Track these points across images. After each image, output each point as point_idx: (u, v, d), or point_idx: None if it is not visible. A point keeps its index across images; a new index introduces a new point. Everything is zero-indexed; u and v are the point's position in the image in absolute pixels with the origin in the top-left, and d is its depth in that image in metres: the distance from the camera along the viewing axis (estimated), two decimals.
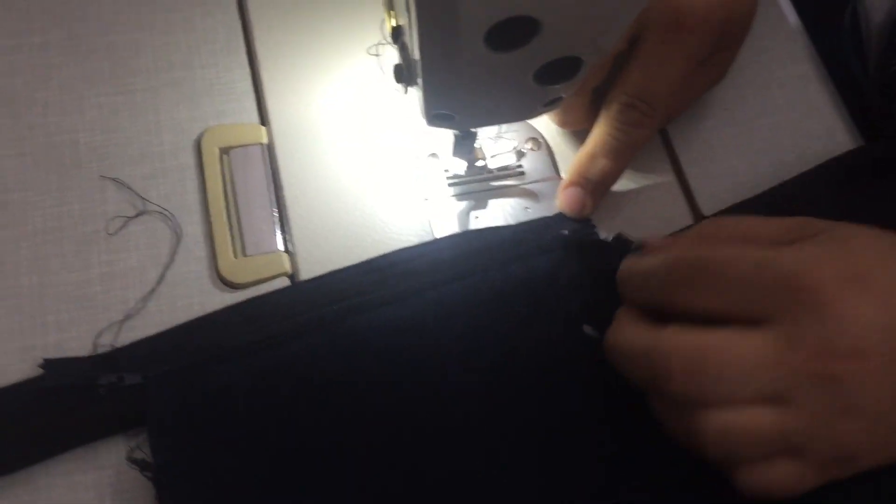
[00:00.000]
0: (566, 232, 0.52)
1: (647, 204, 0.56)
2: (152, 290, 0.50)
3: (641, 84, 0.50)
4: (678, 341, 0.39)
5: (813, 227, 0.41)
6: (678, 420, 0.40)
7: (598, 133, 0.52)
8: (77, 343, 0.48)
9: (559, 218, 0.53)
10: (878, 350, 0.37)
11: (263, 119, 0.56)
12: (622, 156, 0.52)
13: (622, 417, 0.46)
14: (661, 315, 0.41)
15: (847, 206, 0.54)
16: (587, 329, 0.47)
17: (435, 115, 0.45)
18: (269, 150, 0.55)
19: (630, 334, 0.42)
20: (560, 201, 0.53)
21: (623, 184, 0.55)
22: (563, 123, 0.56)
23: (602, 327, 0.45)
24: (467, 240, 0.51)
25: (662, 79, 0.50)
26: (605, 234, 0.52)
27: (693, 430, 0.39)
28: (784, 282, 0.38)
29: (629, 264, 0.45)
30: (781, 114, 0.59)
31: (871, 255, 0.39)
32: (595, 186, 0.52)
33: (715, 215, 0.54)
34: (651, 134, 0.52)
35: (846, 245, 0.39)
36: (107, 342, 0.48)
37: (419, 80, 0.43)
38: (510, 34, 0.37)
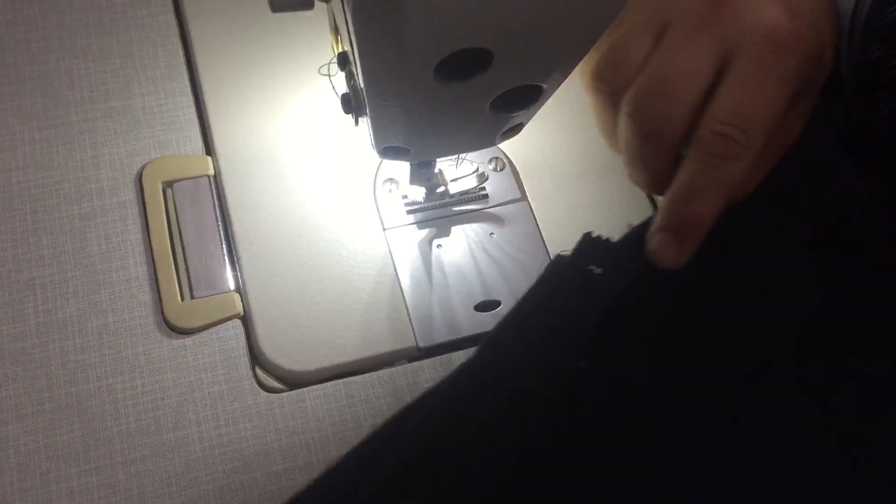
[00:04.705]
0: (597, 269, 0.45)
1: (610, 208, 0.53)
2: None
3: (735, 109, 0.42)
4: None
5: None
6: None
7: (687, 170, 0.44)
8: (12, 402, 0.45)
9: (583, 254, 0.46)
10: None
11: (209, 148, 0.53)
12: (715, 194, 0.43)
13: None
14: None
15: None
16: (582, 363, 0.44)
17: (386, 149, 0.42)
18: (216, 181, 0.52)
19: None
20: (650, 250, 0.45)
21: (587, 191, 0.53)
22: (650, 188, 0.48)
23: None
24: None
25: (760, 102, 0.42)
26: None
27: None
28: None
29: None
30: None
31: None
32: (688, 231, 0.44)
33: None
34: (748, 168, 0.43)
35: None
36: None
37: (368, 111, 0.40)
38: (462, 65, 0.34)
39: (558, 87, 0.40)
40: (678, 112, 0.43)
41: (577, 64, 0.37)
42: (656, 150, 0.45)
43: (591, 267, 0.45)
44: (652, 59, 0.44)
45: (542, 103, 0.40)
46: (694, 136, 0.43)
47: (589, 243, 0.46)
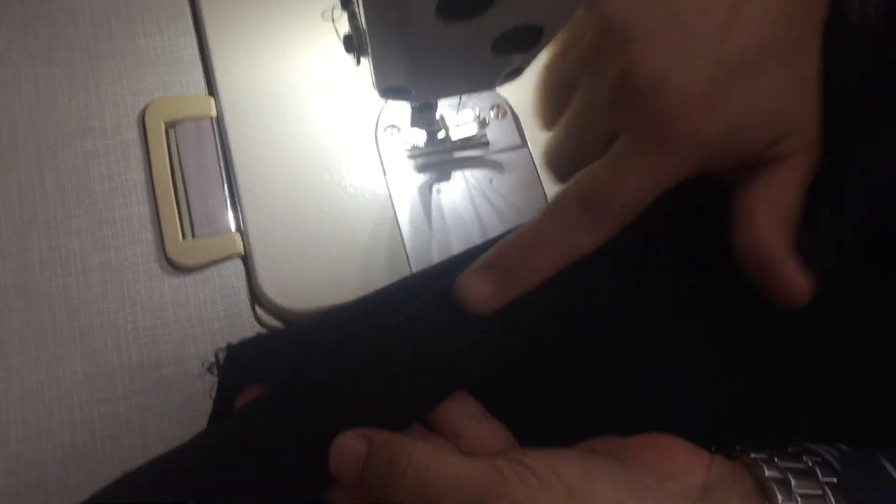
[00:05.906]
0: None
1: None
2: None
3: (599, 184, 0.39)
4: None
5: None
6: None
7: (536, 222, 0.40)
8: (16, 334, 0.46)
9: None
10: None
11: (212, 90, 0.53)
12: (553, 257, 0.39)
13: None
14: None
15: None
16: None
17: (387, 89, 0.43)
18: (219, 123, 0.52)
19: None
20: (459, 285, 0.39)
21: None
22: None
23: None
24: None
25: (625, 188, 0.39)
26: None
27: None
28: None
29: None
30: None
31: None
32: (509, 282, 0.39)
33: None
34: (594, 246, 0.40)
35: None
36: None
37: (369, 51, 0.40)
38: (464, 4, 0.34)
39: (559, 30, 0.40)
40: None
41: (577, 5, 0.37)
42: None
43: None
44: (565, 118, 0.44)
45: (543, 46, 0.41)
46: (557, 195, 0.41)
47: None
